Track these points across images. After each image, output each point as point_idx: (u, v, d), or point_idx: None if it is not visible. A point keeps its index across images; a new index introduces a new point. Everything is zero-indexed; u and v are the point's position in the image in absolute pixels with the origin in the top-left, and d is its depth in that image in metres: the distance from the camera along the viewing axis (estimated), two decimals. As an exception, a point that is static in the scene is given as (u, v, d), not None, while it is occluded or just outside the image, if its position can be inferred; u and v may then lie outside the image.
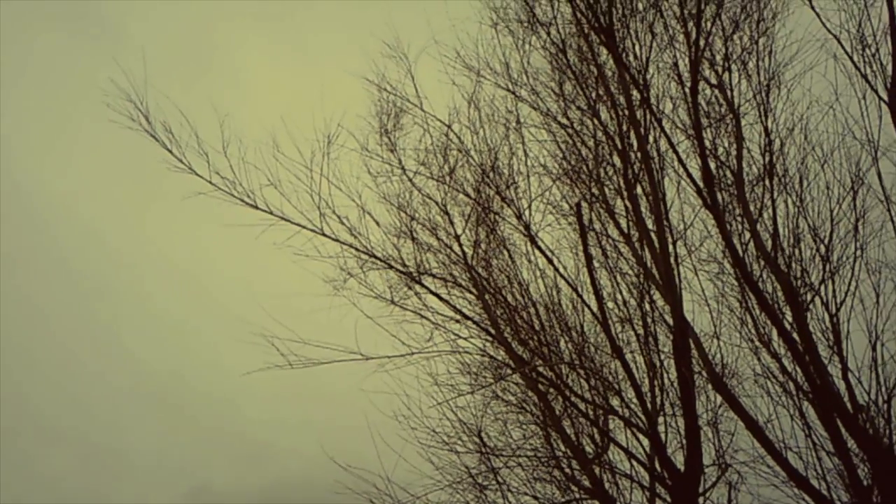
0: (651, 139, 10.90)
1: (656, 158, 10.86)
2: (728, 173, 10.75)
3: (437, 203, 11.41)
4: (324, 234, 10.93)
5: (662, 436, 10.50)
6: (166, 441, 18.93)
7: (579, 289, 11.10)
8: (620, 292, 11.13)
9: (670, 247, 10.63)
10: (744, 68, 10.90)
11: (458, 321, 11.05)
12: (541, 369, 10.74)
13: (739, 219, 10.54)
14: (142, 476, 18.66)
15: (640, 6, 10.87)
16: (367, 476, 10.37)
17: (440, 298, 11.10)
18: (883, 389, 9.80)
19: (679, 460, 10.33)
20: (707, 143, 10.50)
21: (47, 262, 20.62)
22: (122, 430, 19.27)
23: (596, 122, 11.24)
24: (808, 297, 10.20)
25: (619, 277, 11.19)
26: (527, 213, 11.29)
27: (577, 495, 10.68)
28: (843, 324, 10.09)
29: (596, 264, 11.02)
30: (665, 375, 10.73)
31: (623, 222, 11.11)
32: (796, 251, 10.37)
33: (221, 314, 16.97)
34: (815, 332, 9.98)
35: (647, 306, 11.02)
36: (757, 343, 10.47)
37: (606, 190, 11.18)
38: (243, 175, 10.63)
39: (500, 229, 11.42)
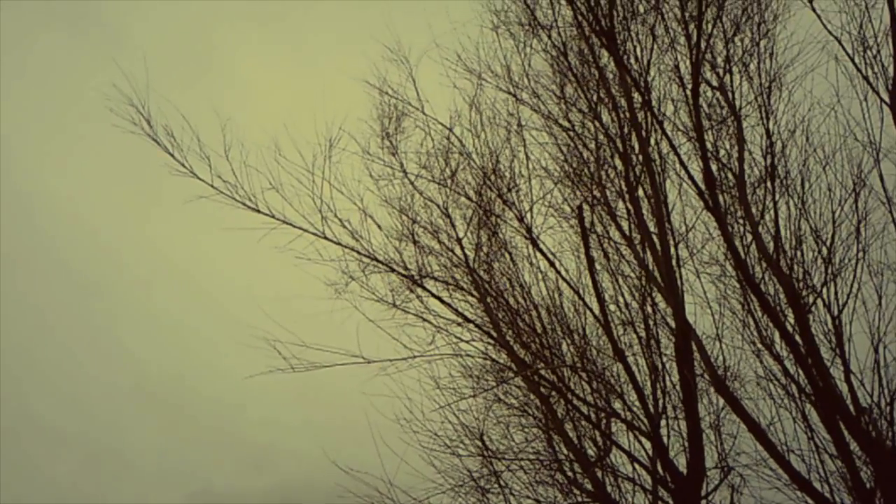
0: (652, 141, 10.89)
1: (658, 161, 10.85)
2: (730, 175, 10.75)
3: (438, 206, 11.41)
4: (325, 238, 10.93)
5: (665, 439, 10.48)
6: (167, 444, 18.91)
7: (581, 291, 11.10)
8: (622, 295, 11.12)
9: (672, 249, 10.63)
10: (745, 70, 10.91)
11: (459, 324, 11.04)
12: (543, 372, 10.73)
13: (741, 221, 10.54)
14: (142, 478, 18.64)
15: (642, 9, 10.87)
16: (369, 479, 10.37)
17: (442, 301, 11.10)
18: (886, 392, 9.79)
19: (681, 463, 10.33)
20: (709, 146, 10.49)
21: (49, 265, 20.60)
22: (123, 433, 19.26)
23: (597, 124, 11.23)
24: (811, 299, 10.19)
25: (620, 280, 11.18)
26: (528, 215, 11.30)
27: (580, 499, 10.67)
28: (845, 326, 10.08)
29: (598, 267, 11.01)
30: (667, 378, 10.72)
31: (625, 225, 11.10)
32: (798, 253, 10.37)
33: (223, 317, 16.98)
34: (817, 335, 9.97)
35: (649, 309, 11.01)
36: (759, 345, 10.46)
37: (608, 192, 11.17)
38: (245, 178, 10.65)
39: (501, 232, 11.42)
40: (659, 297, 10.82)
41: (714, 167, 10.46)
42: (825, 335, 10.07)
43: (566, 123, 11.47)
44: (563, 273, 11.18)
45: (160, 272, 19.73)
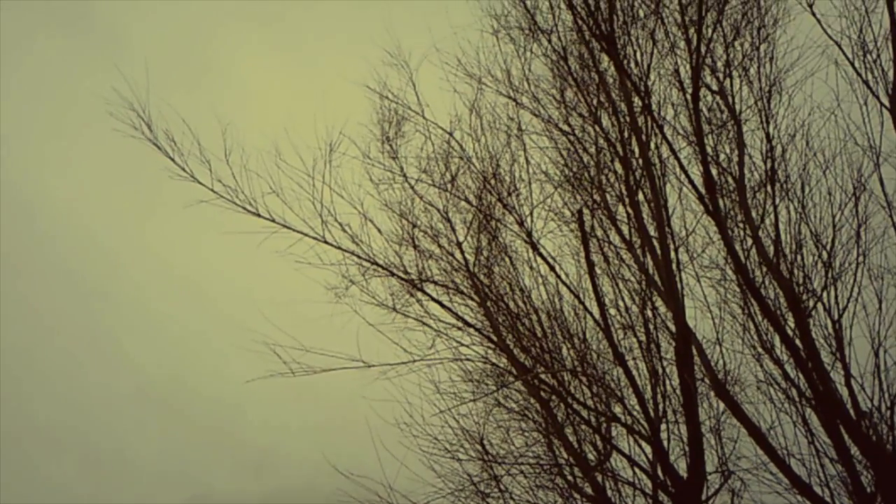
0: (653, 146, 10.89)
1: (658, 165, 10.85)
2: (730, 179, 10.76)
3: (438, 210, 11.41)
4: (326, 242, 10.92)
5: (665, 443, 10.46)
6: (168, 447, 18.92)
7: (581, 296, 11.09)
8: (622, 299, 11.12)
9: (672, 253, 10.62)
10: (745, 74, 10.93)
11: (460, 328, 11.04)
12: (543, 377, 10.73)
13: (741, 225, 10.54)
14: (143, 481, 18.63)
15: (642, 13, 10.88)
16: (369, 483, 10.36)
17: (442, 306, 11.09)
18: (886, 396, 9.79)
19: (682, 467, 10.31)
20: (709, 150, 10.49)
21: (49, 269, 20.61)
22: (123, 436, 19.27)
23: (597, 128, 11.24)
24: (811, 303, 10.19)
25: (621, 284, 11.18)
26: (528, 220, 11.30)
27: (580, 503, 10.66)
28: (845, 330, 10.09)
29: (598, 271, 11.00)
30: (667, 382, 10.71)
31: (625, 229, 11.11)
32: (798, 257, 10.37)
33: (223, 321, 16.97)
34: (817, 339, 9.97)
35: (650, 313, 11.00)
36: (759, 349, 10.47)
37: (608, 197, 11.18)
38: (245, 182, 10.64)
39: (501, 236, 11.43)
40: (659, 301, 10.82)
41: (714, 171, 10.46)
42: (825, 339, 10.08)
43: (566, 127, 11.49)
44: (564, 277, 11.19)
45: (160, 276, 19.75)
